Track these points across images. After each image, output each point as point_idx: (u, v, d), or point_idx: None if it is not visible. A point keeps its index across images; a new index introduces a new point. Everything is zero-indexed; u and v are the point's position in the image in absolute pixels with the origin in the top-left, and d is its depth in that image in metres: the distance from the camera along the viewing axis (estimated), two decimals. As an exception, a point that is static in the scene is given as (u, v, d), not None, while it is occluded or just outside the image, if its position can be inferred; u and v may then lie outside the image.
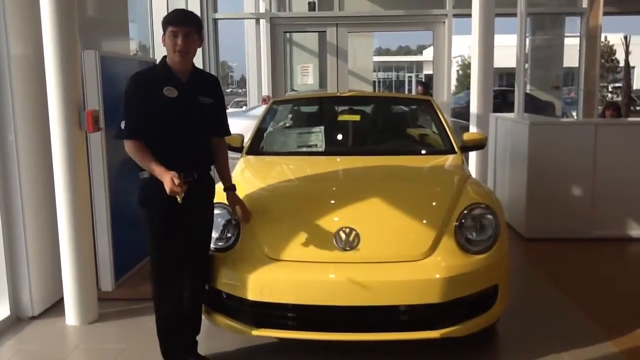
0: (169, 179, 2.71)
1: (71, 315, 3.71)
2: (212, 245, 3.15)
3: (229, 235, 3.17)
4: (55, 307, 3.94)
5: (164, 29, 2.87)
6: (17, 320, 3.79)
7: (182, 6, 7.73)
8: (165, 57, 2.96)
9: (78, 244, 3.63)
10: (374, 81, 22.67)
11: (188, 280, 3.04)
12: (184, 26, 2.84)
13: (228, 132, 3.20)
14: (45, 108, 3.57)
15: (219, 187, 3.22)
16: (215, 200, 3.21)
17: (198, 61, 7.69)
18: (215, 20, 8.01)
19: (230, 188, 3.20)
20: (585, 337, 3.43)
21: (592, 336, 3.45)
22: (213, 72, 8.00)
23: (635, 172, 5.37)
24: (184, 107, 2.91)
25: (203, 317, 3.17)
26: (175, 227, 2.92)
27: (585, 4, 8.08)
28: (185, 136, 2.93)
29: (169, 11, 2.99)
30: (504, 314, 3.24)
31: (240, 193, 3.36)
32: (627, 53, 21.92)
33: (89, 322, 3.73)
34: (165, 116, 2.87)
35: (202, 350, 3.14)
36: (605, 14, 7.93)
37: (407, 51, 46.24)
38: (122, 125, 2.89)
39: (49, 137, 3.58)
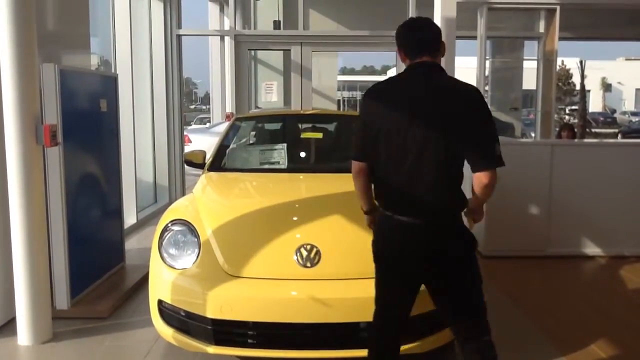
0: None
1: (24, 334, 3.59)
2: (171, 262, 3.11)
3: (189, 252, 3.13)
4: (7, 327, 3.81)
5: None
6: (-34, 340, 3.66)
7: (146, 22, 7.64)
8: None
9: (32, 260, 3.52)
10: (339, 100, 22.82)
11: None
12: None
13: None
14: (1, 121, 3.48)
15: None
16: (175, 217, 3.19)
17: (161, 78, 7.71)
18: (179, 37, 7.98)
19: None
20: (540, 353, 3.50)
21: (547, 351, 3.52)
22: (176, 89, 7.96)
23: (589, 191, 5.55)
24: None
25: (159, 333, 3.12)
26: None
27: (542, 29, 8.34)
28: None
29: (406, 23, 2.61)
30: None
31: (201, 210, 3.34)
32: (582, 77, 22.74)
33: (43, 341, 3.61)
34: None
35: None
36: (560, 39, 8.19)
37: (371, 71, 46.83)
38: (498, 148, 2.27)
39: (3, 151, 3.49)
